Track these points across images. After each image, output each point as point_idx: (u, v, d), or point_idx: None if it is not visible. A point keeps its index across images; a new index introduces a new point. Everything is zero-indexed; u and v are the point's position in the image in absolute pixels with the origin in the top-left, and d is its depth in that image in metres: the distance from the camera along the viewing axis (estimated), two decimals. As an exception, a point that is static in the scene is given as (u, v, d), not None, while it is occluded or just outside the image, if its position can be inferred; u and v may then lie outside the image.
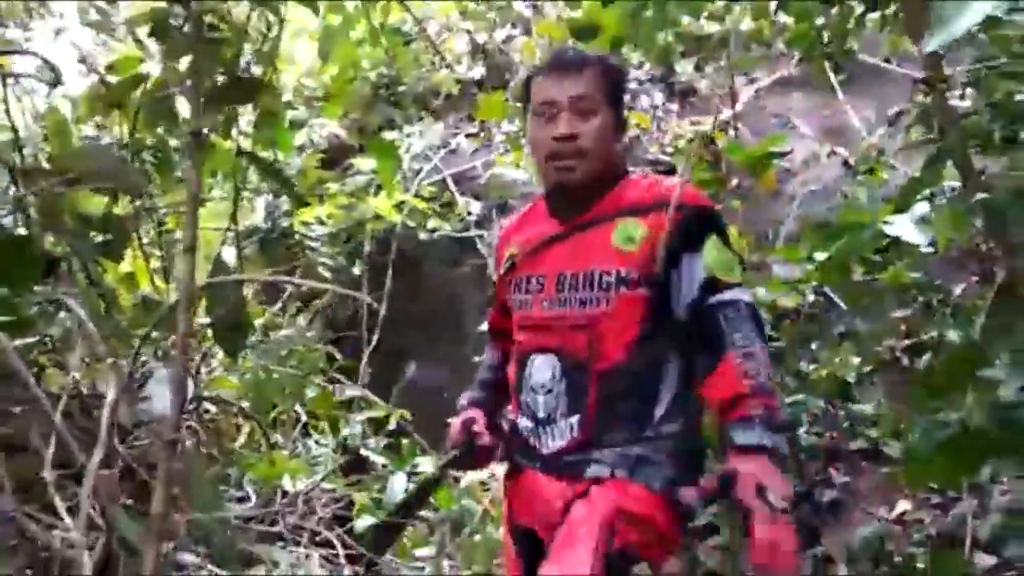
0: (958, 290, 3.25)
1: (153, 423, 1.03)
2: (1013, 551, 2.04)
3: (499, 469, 2.53)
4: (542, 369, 1.44)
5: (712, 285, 1.36)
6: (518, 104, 3.05)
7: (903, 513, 2.81)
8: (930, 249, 1.87)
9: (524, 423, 1.48)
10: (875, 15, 2.24)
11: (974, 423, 1.00)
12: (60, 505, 0.91)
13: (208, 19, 1.24)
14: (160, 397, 1.00)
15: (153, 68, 1.71)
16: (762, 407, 1.29)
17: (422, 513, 2.32)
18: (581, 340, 1.39)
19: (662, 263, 1.38)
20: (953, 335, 2.66)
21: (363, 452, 2.71)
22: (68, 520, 0.88)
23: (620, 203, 1.44)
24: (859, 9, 2.23)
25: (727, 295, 1.35)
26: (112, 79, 1.57)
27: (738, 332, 1.33)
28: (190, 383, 1.04)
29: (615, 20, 2.39)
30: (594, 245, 1.43)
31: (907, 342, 3.23)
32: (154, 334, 1.30)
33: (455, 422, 1.58)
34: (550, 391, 1.42)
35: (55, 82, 1.37)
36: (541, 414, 1.43)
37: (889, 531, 2.71)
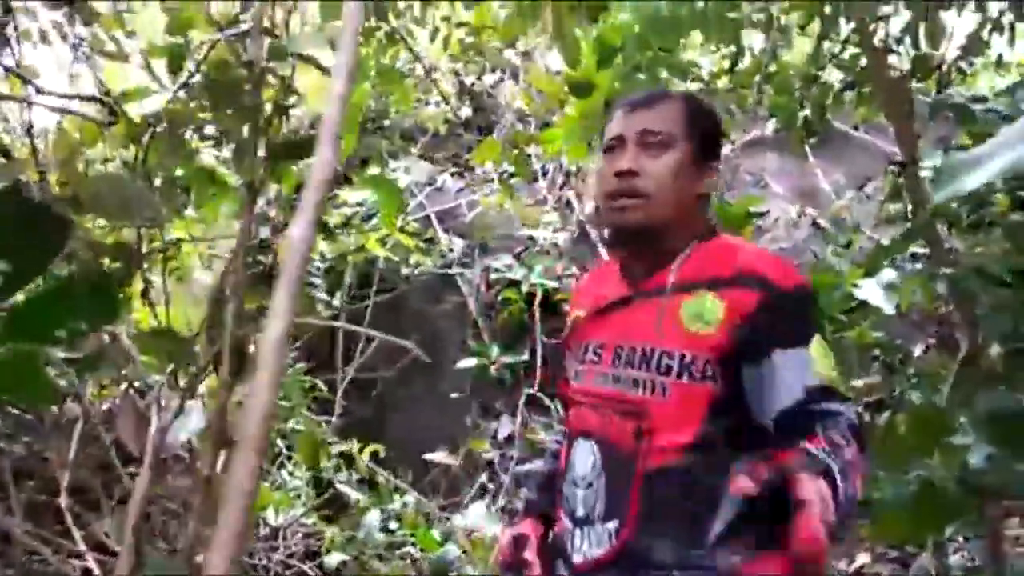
0: (918, 351, 3.40)
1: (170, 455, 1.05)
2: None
3: (496, 529, 2.38)
4: (582, 457, 1.20)
5: (819, 394, 1.10)
6: (514, 150, 3.13)
7: (862, 567, 2.90)
8: (893, 312, 1.98)
9: (564, 521, 1.23)
10: (852, 92, 2.39)
11: (939, 483, 1.06)
12: (76, 533, 0.92)
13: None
14: (176, 428, 1.03)
15: (162, 98, 1.75)
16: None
17: (407, 550, 2.32)
18: (629, 429, 1.14)
19: (736, 355, 1.11)
20: (914, 396, 2.79)
21: (337, 486, 2.70)
22: (83, 546, 0.90)
23: (696, 271, 1.18)
24: (837, 86, 2.39)
25: (832, 406, 1.10)
26: (127, 108, 1.62)
27: (835, 432, 1.07)
28: (199, 413, 1.07)
29: (609, 80, 2.50)
30: (659, 317, 1.17)
31: (869, 399, 3.36)
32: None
33: (505, 535, 1.31)
34: (590, 485, 1.18)
35: (110, 123, 1.40)
36: (579, 512, 1.19)
37: (850, 584, 2.78)
